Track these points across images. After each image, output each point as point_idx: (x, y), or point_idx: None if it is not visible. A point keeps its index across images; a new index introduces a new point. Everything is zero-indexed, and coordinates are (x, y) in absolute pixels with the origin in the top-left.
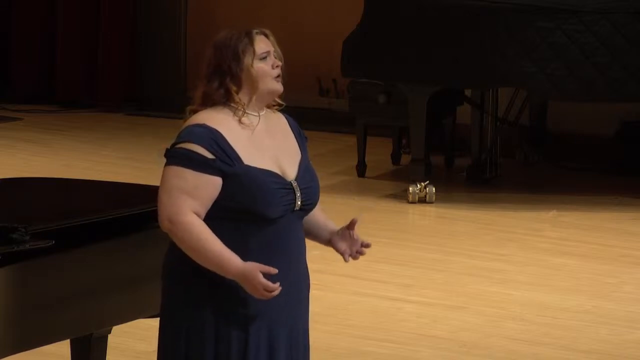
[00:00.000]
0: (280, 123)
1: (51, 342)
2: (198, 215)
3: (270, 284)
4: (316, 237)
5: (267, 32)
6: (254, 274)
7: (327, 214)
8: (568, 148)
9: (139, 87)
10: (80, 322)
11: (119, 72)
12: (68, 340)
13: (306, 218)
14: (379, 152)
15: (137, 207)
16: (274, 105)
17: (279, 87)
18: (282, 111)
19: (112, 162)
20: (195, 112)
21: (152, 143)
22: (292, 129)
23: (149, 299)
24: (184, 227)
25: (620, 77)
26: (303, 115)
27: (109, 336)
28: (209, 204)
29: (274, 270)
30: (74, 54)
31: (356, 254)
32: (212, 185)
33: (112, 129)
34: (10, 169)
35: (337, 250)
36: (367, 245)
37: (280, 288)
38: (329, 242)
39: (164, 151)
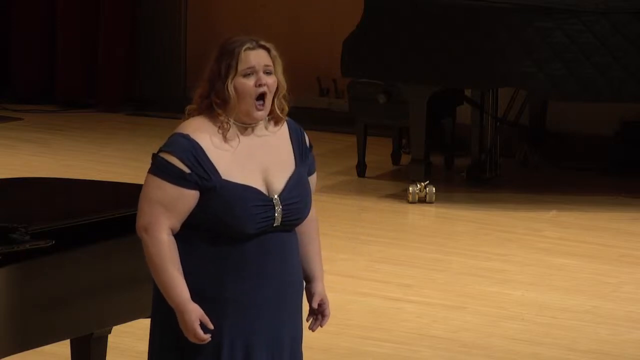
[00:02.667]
0: (279, 134)
1: (51, 342)
2: (173, 229)
3: (202, 334)
4: None
5: (269, 46)
6: (193, 318)
7: (327, 213)
8: (568, 148)
9: (139, 87)
10: (80, 322)
11: (119, 72)
12: (68, 340)
13: (300, 240)
14: (379, 152)
15: (137, 208)
16: (277, 116)
17: (255, 114)
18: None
19: (112, 162)
20: (190, 115)
21: (152, 143)
22: (291, 137)
23: (149, 299)
24: (155, 242)
25: (620, 77)
26: (303, 115)
27: (109, 336)
28: (184, 216)
29: (210, 326)
30: (74, 54)
31: (315, 321)
32: (188, 198)
33: (112, 129)
34: (10, 169)
35: (307, 296)
36: (324, 317)
37: (209, 339)
38: (308, 281)
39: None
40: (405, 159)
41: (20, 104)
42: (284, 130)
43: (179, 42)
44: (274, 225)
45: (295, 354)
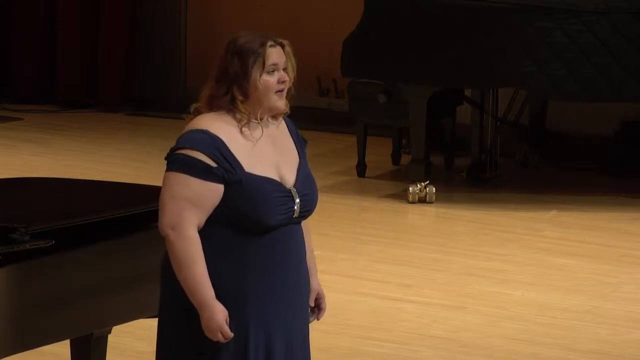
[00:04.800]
0: (281, 128)
1: (51, 342)
2: (200, 225)
3: (229, 332)
4: None
5: (285, 42)
6: (221, 317)
7: (327, 213)
8: (568, 148)
9: (139, 87)
10: (80, 322)
11: (119, 72)
12: (68, 340)
13: None
14: (379, 152)
15: (137, 207)
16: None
17: (280, 105)
18: None
19: (112, 162)
20: (199, 112)
21: (152, 143)
22: (290, 133)
23: (149, 299)
24: (183, 240)
25: (620, 77)
26: (303, 115)
27: (109, 336)
28: (210, 210)
29: (229, 334)
30: (74, 54)
31: (312, 313)
32: (215, 192)
33: (112, 129)
34: (10, 169)
35: None
36: (320, 310)
37: (232, 335)
38: None
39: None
40: (405, 159)
41: (20, 104)
42: (283, 125)
43: (179, 42)
44: (293, 216)
45: (305, 346)
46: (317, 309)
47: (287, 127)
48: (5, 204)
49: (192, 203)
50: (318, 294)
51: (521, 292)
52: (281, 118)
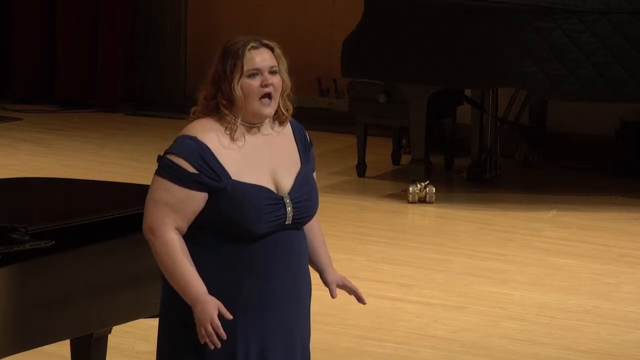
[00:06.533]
0: (284, 133)
1: (51, 342)
2: (180, 229)
3: (216, 320)
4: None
5: (273, 45)
6: (211, 306)
7: (327, 213)
8: (568, 148)
9: (139, 87)
10: (80, 322)
11: (118, 72)
12: (68, 340)
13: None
14: (379, 152)
15: (137, 207)
16: (282, 116)
17: (264, 110)
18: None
19: (112, 162)
20: (195, 116)
21: (152, 143)
22: (295, 136)
23: (149, 299)
24: (162, 242)
25: (620, 77)
26: (303, 115)
27: (109, 336)
28: (191, 217)
29: (228, 315)
30: (74, 54)
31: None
32: (195, 200)
33: (112, 129)
34: (10, 169)
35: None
36: (353, 292)
37: (222, 339)
38: (319, 272)
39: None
40: (405, 159)
41: (19, 104)
42: (287, 129)
43: (179, 42)
44: (285, 223)
45: (305, 349)
46: (351, 294)
47: (294, 131)
48: (5, 204)
49: (171, 208)
50: (339, 285)
51: (521, 292)
52: (287, 123)
